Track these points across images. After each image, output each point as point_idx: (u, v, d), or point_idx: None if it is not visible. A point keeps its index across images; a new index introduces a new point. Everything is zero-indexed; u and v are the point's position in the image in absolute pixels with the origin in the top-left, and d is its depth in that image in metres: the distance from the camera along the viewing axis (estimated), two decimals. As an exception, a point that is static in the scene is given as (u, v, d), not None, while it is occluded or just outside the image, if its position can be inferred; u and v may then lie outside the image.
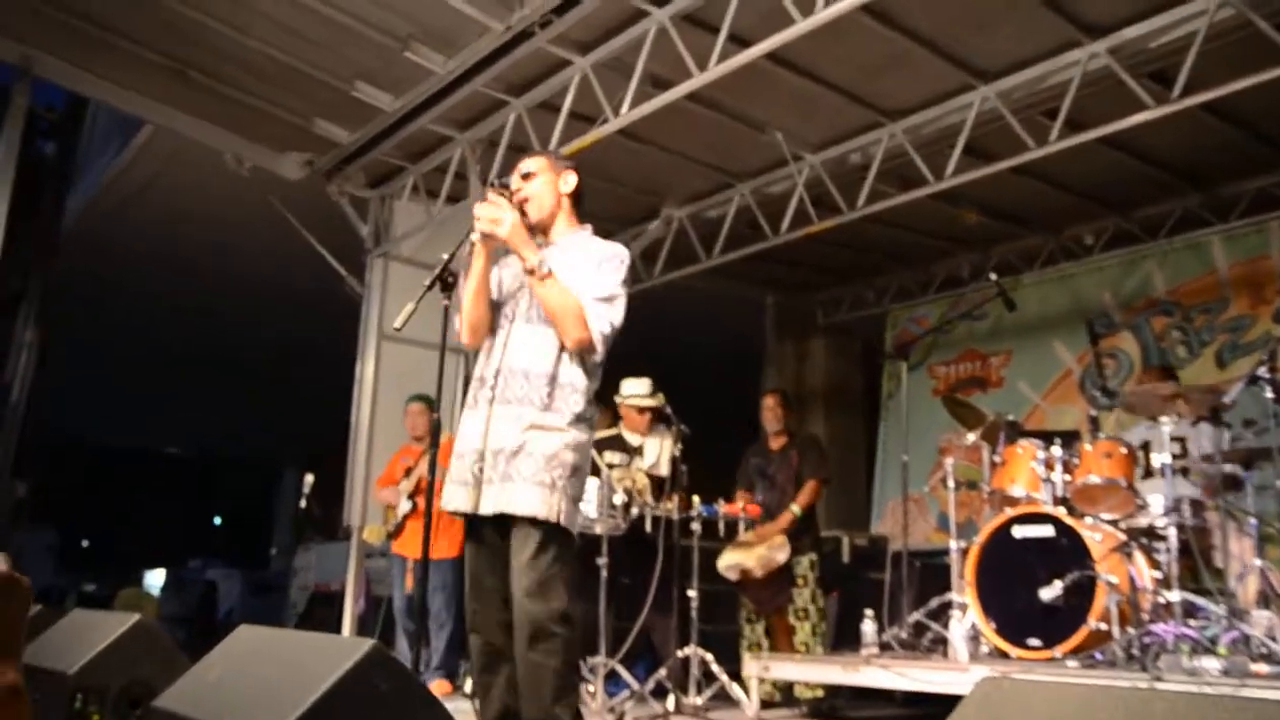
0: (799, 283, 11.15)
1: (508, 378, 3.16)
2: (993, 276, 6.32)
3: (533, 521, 3.04)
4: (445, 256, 3.18)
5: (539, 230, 3.30)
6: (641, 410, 6.26)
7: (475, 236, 3.16)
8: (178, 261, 10.34)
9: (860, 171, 7.60)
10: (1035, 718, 1.51)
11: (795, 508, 6.22)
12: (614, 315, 3.18)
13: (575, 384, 3.17)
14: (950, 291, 10.30)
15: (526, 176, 3.33)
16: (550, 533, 3.05)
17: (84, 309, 11.03)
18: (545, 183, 3.33)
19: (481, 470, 3.11)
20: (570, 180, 3.37)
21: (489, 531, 3.16)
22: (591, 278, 3.17)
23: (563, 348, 3.16)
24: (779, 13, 5.40)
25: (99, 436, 20.85)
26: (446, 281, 3.17)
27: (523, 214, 3.21)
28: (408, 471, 6.58)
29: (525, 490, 3.05)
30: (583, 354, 3.17)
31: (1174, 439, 5.19)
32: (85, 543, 25.91)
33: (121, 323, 12.25)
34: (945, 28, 6.22)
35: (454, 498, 3.17)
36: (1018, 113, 6.64)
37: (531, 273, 3.13)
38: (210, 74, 7.00)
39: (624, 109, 6.33)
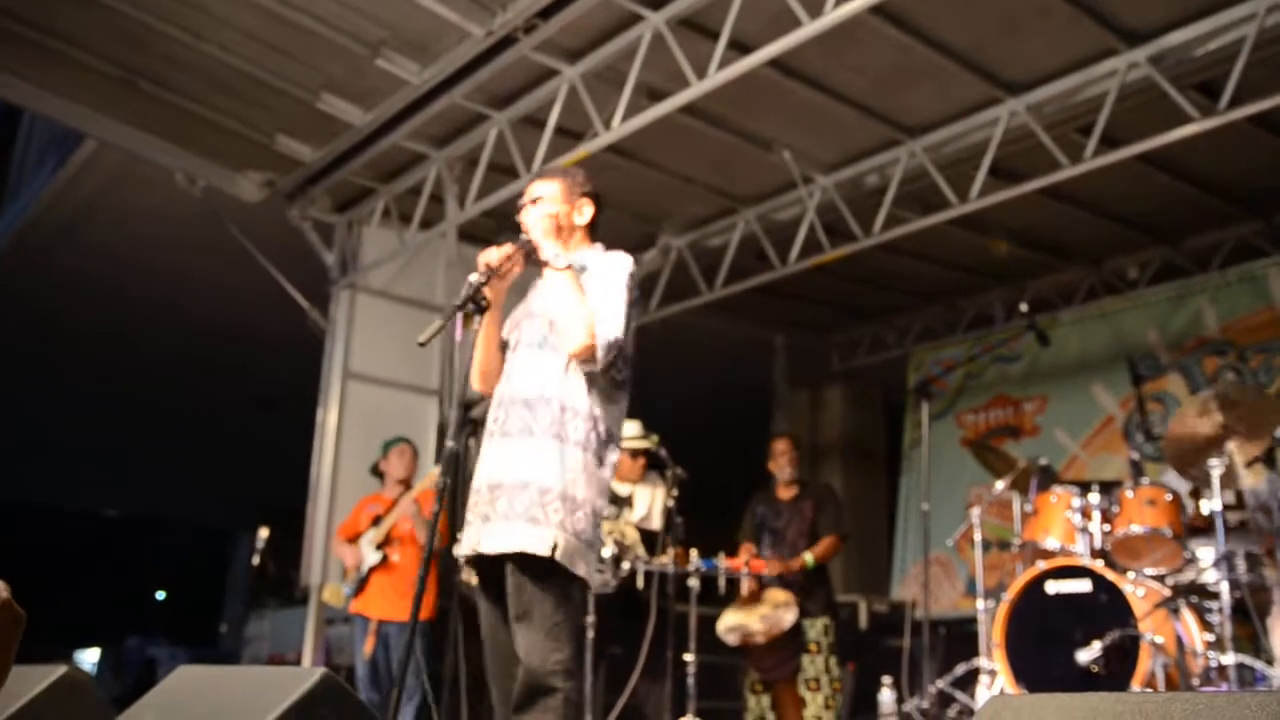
0: (812, 322, 11.24)
1: (509, 408, 3.25)
2: (1023, 307, 6.39)
3: (526, 561, 3.04)
4: (479, 279, 3.12)
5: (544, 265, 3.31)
6: (634, 455, 6.27)
7: (477, 277, 3.14)
8: (118, 295, 10.36)
9: (877, 195, 7.71)
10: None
11: (809, 556, 6.20)
12: (618, 328, 3.21)
13: (578, 408, 3.19)
14: (980, 331, 10.34)
15: (535, 201, 3.38)
16: (547, 573, 3.05)
17: (8, 348, 11.04)
18: (560, 216, 3.38)
19: (478, 506, 3.20)
20: (586, 213, 3.45)
21: (497, 576, 3.16)
22: (598, 292, 3.22)
23: (566, 370, 3.20)
24: (785, 16, 5.52)
25: (22, 496, 20.73)
26: (480, 304, 3.12)
27: (530, 254, 3.26)
28: (375, 521, 6.55)
29: (518, 528, 3.07)
30: (586, 365, 3.18)
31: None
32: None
33: (52, 364, 12.23)
34: (969, 35, 6.33)
35: (464, 541, 3.23)
36: (1050, 128, 6.76)
37: (548, 264, 3.21)
38: (160, 83, 7.08)
39: (615, 122, 6.44)
